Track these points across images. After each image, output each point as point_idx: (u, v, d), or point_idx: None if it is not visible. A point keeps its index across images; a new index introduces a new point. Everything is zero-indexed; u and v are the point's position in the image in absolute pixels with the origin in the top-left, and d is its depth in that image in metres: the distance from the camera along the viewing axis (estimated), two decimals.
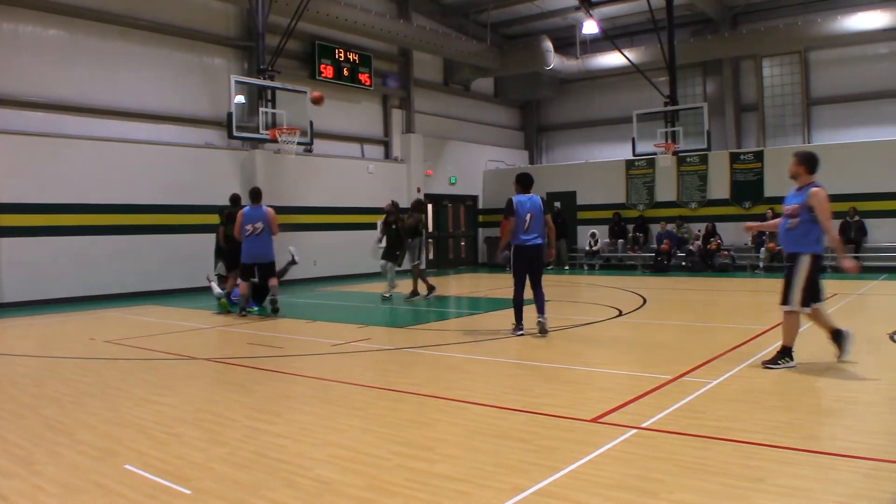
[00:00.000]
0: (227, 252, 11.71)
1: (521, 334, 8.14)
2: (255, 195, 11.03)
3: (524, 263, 8.21)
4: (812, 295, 6.13)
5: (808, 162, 6.45)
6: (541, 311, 8.19)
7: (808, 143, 20.28)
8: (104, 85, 14.50)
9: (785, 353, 6.17)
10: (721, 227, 18.73)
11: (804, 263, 6.07)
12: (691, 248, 18.72)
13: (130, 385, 6.20)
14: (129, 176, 14.50)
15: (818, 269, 6.13)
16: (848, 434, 4.25)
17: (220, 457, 4.11)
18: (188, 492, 3.58)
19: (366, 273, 18.87)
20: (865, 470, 3.61)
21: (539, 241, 8.18)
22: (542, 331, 8.12)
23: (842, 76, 20.07)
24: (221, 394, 5.82)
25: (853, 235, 17.03)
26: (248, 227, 10.70)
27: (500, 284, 16.00)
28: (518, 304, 8.30)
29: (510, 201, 8.18)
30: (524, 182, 8.37)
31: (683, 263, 18.57)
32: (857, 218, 17.03)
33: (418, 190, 21.00)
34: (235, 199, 12.18)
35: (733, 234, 18.82)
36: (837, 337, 6.27)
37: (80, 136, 13.92)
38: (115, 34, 14.68)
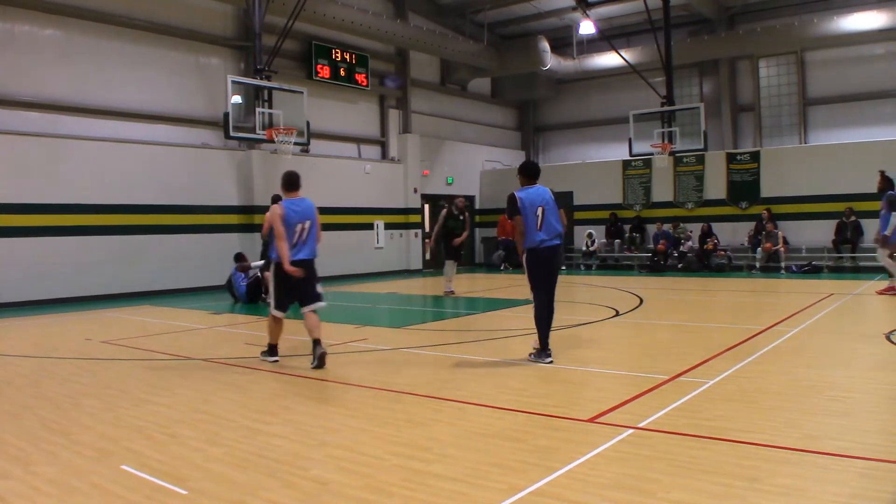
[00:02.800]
0: None
1: (550, 362, 6.65)
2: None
3: (543, 269, 6.75)
4: (279, 301, 6.89)
5: (283, 184, 7.08)
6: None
7: (805, 143, 20.33)
8: (101, 85, 14.48)
9: (269, 351, 7.09)
10: (717, 228, 18.77)
11: (271, 269, 6.95)
12: (683, 248, 18.75)
13: (127, 385, 6.19)
14: (126, 176, 14.47)
15: (283, 276, 6.73)
16: (844, 434, 4.26)
17: (217, 457, 4.11)
18: (185, 492, 3.57)
19: (363, 273, 18.89)
20: (862, 470, 3.62)
21: (556, 241, 6.74)
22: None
23: (838, 76, 20.11)
24: (218, 394, 5.81)
25: (849, 235, 17.07)
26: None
27: (497, 285, 16.02)
28: (541, 320, 6.78)
29: (511, 197, 6.70)
30: (528, 171, 6.92)
31: (679, 266, 18.61)
32: (853, 218, 17.06)
33: (415, 190, 21.04)
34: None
35: (730, 235, 18.87)
36: (316, 345, 6.74)
37: (76, 137, 13.89)
38: (112, 34, 14.65)
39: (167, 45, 15.60)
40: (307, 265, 6.83)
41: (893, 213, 11.34)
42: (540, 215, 6.66)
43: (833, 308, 10.21)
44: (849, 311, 10.25)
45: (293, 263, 6.68)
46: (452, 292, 13.80)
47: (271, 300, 6.95)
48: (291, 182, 7.04)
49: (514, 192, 6.77)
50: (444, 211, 14.06)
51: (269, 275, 7.03)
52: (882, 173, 11.95)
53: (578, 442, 4.22)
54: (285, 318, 7.10)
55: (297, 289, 6.85)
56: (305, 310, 6.87)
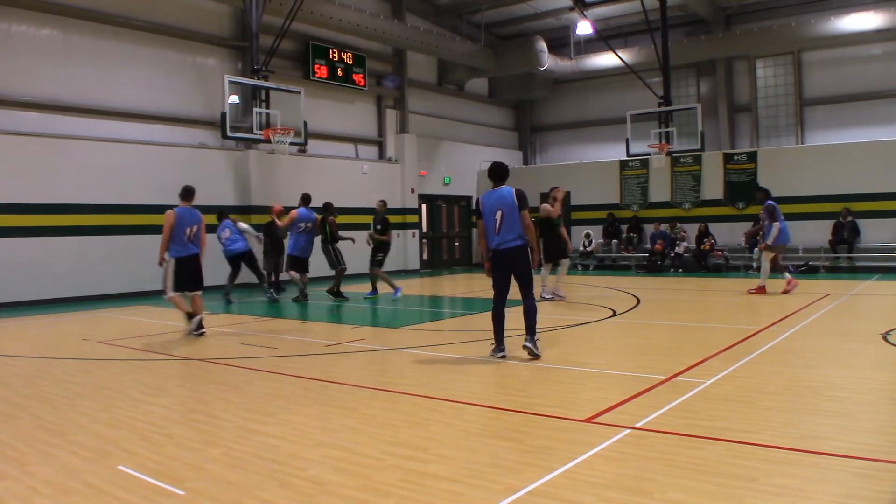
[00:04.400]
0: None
1: (503, 356, 6.90)
2: (308, 199, 13.19)
3: (500, 272, 6.98)
4: (177, 286, 9.04)
5: (180, 194, 9.29)
6: (529, 331, 6.93)
7: (802, 143, 20.37)
8: (98, 85, 14.46)
9: (188, 317, 9.04)
10: (714, 228, 18.79)
11: (171, 263, 9.00)
12: (678, 249, 18.74)
13: (124, 386, 6.18)
14: (123, 176, 14.46)
15: (181, 264, 8.95)
16: (842, 434, 4.26)
17: (213, 457, 4.10)
18: (182, 493, 3.56)
19: (360, 273, 18.83)
20: (860, 469, 3.62)
21: (516, 243, 6.81)
22: (532, 355, 6.84)
23: (835, 77, 20.16)
24: (215, 394, 5.80)
25: (846, 236, 17.10)
26: (302, 224, 12.77)
27: None
28: (496, 318, 7.06)
29: (476, 202, 7.22)
30: (494, 173, 7.06)
31: (674, 265, 18.62)
32: (849, 218, 17.09)
33: (412, 190, 21.03)
34: (329, 206, 13.22)
35: (727, 235, 18.89)
36: (191, 317, 8.97)
37: (73, 137, 13.87)
38: (110, 34, 14.63)
39: (165, 45, 15.58)
40: (194, 259, 8.98)
41: (774, 224, 11.90)
42: (499, 219, 6.83)
43: (830, 308, 10.22)
44: (846, 311, 10.26)
45: (183, 258, 8.88)
46: (561, 297, 11.99)
47: (169, 286, 9.08)
48: (187, 193, 9.30)
49: (479, 196, 7.12)
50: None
51: (170, 268, 8.90)
52: (758, 187, 12.97)
53: (576, 442, 4.21)
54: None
55: (190, 277, 9.01)
56: (194, 294, 9.02)
